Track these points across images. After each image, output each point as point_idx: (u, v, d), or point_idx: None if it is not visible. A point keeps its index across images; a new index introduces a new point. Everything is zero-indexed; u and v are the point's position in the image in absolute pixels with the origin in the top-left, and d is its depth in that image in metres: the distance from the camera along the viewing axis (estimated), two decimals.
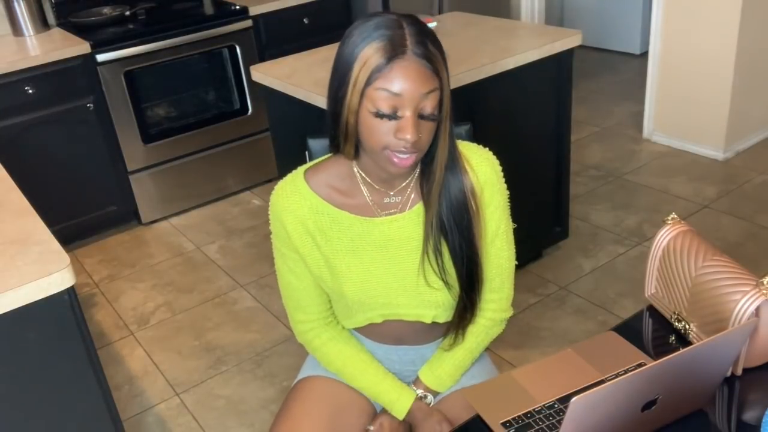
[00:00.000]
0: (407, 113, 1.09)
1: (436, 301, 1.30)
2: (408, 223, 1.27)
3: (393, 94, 1.08)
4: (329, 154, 1.29)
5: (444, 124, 1.17)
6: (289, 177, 1.30)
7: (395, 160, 1.13)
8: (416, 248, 1.27)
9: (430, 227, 1.24)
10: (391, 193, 1.26)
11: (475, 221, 1.27)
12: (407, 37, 1.09)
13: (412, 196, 1.27)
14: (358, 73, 1.09)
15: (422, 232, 1.26)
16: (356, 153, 1.20)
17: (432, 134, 1.15)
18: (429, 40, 1.11)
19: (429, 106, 1.11)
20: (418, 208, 1.27)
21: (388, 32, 1.08)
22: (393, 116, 1.09)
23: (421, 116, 1.11)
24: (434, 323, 1.34)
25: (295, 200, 1.26)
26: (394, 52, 1.07)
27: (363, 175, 1.25)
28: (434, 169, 1.21)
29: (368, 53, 1.08)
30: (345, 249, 1.27)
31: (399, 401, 1.35)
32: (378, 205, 1.27)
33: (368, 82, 1.08)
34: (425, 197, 1.25)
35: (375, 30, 1.09)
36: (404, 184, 1.27)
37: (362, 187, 1.26)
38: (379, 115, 1.09)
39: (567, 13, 5.49)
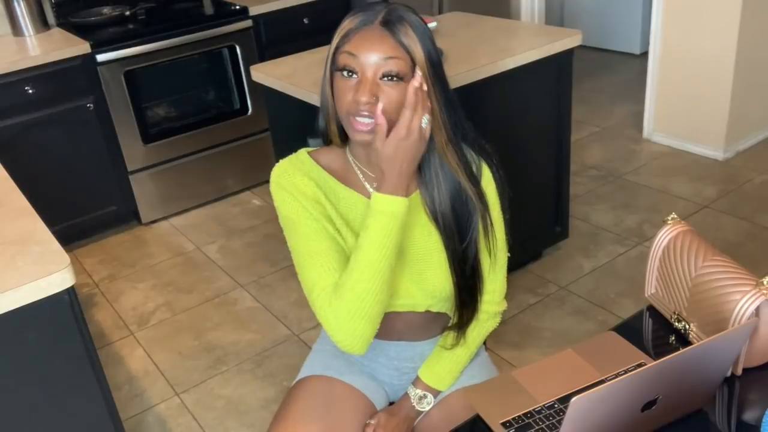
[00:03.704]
0: (365, 75, 1.15)
1: (433, 291, 1.31)
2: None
3: (353, 56, 1.15)
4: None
5: (431, 104, 1.18)
6: (291, 155, 1.31)
7: (356, 125, 1.16)
8: (412, 235, 1.28)
9: (430, 217, 1.27)
10: None
11: (476, 219, 1.28)
12: (383, 11, 1.17)
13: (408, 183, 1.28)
14: (333, 43, 1.19)
15: (417, 222, 1.28)
16: (342, 136, 1.25)
17: (398, 103, 1.15)
18: (407, 21, 1.16)
19: (389, 71, 1.14)
20: (415, 198, 1.28)
21: (369, 9, 1.18)
22: (353, 73, 1.15)
23: (382, 80, 1.15)
24: (428, 314, 1.35)
25: (302, 170, 1.27)
26: (363, 22, 1.17)
27: (355, 161, 1.29)
28: (432, 150, 1.23)
29: (342, 25, 1.19)
30: (351, 224, 1.27)
31: (386, 212, 1.16)
32: (373, 190, 1.27)
33: (337, 48, 1.18)
34: (422, 182, 1.26)
35: (360, 9, 1.19)
36: None
37: (357, 172, 1.29)
38: (339, 70, 1.16)
39: (567, 13, 5.49)
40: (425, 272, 1.30)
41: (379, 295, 1.18)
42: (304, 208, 1.23)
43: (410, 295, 1.31)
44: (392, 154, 1.15)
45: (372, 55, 1.14)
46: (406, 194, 1.18)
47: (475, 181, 1.28)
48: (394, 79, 1.14)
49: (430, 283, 1.30)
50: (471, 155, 1.29)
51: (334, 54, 1.18)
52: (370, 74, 1.14)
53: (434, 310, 1.34)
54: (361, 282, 1.17)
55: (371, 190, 1.27)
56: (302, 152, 1.32)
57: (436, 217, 1.27)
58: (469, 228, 1.28)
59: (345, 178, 1.29)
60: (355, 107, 1.15)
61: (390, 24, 1.15)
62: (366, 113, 1.14)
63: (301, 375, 1.47)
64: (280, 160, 1.31)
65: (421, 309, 1.33)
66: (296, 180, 1.25)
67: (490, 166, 1.31)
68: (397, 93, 1.15)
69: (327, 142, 1.30)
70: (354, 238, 1.26)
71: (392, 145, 1.14)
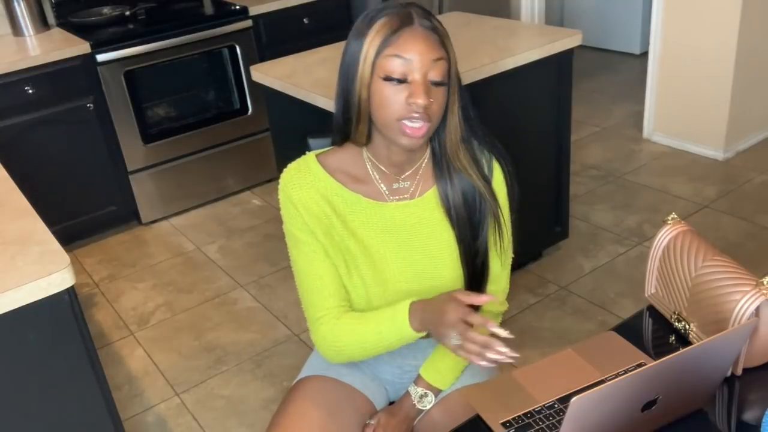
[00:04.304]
0: (417, 78, 1.13)
1: (446, 288, 1.31)
2: (418, 210, 1.29)
3: (403, 59, 1.12)
4: (332, 147, 1.31)
5: (453, 104, 1.20)
6: (299, 159, 1.30)
7: (408, 130, 1.15)
8: (427, 234, 1.29)
9: (444, 212, 1.28)
10: (400, 178, 1.28)
11: (487, 211, 1.29)
12: (413, 12, 1.16)
13: (422, 183, 1.30)
14: (369, 46, 1.14)
15: (432, 219, 1.29)
16: (368, 137, 1.23)
17: (442, 105, 1.18)
18: (435, 19, 1.17)
19: (437, 74, 1.14)
20: (429, 195, 1.29)
21: (395, 10, 1.16)
22: (403, 80, 1.13)
23: (431, 83, 1.14)
24: None
25: (309, 180, 1.26)
26: (402, 23, 1.14)
27: (373, 160, 1.27)
28: (446, 149, 1.24)
29: (377, 27, 1.15)
30: (359, 232, 1.27)
31: (397, 320, 1.23)
32: (388, 190, 1.28)
33: (378, 52, 1.14)
34: (438, 178, 1.28)
35: (383, 11, 1.16)
36: (413, 169, 1.29)
37: (372, 173, 1.28)
38: (390, 79, 1.13)
39: (567, 13, 5.49)
40: (440, 269, 1.30)
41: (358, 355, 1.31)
42: (308, 226, 1.25)
43: (422, 293, 1.32)
44: (448, 323, 1.13)
45: (422, 56, 1.13)
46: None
47: (487, 179, 1.29)
48: (440, 85, 1.15)
49: (442, 280, 1.31)
50: (482, 153, 1.30)
51: (375, 58, 1.14)
52: (421, 76, 1.13)
53: None
54: (362, 349, 1.29)
55: (389, 201, 1.28)
56: (310, 157, 1.30)
57: (450, 212, 1.28)
58: (480, 222, 1.29)
59: (356, 177, 1.28)
60: (409, 110, 1.14)
61: (428, 24, 1.16)
62: (417, 115, 1.14)
63: (302, 374, 1.47)
64: (289, 165, 1.29)
65: None
66: (303, 194, 1.25)
67: (501, 165, 1.32)
68: (441, 94, 1.17)
69: (340, 141, 1.27)
70: (356, 243, 1.27)
71: (453, 326, 1.13)
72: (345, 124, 1.23)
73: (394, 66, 1.13)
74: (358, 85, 1.17)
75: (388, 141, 1.21)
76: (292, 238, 1.29)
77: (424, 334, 1.22)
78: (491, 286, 1.37)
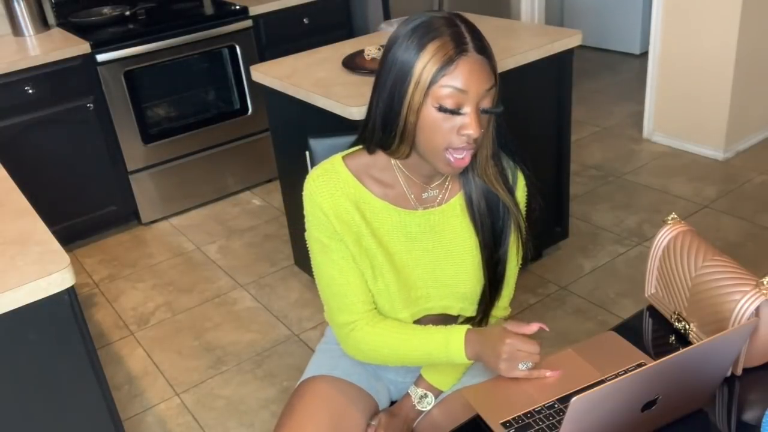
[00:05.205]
0: (469, 109, 1.10)
1: (464, 294, 1.32)
2: (443, 217, 1.29)
3: (459, 90, 1.09)
4: (359, 147, 1.28)
5: (490, 122, 1.19)
6: (325, 163, 1.28)
7: (452, 160, 1.14)
8: (450, 240, 1.29)
9: (469, 218, 1.28)
10: (429, 188, 1.28)
11: (510, 220, 1.29)
12: (465, 34, 1.10)
13: (449, 189, 1.29)
14: (421, 71, 1.09)
15: (456, 225, 1.29)
16: (407, 155, 1.20)
17: (488, 130, 1.18)
18: (483, 37, 1.13)
19: (488, 102, 1.13)
20: (455, 202, 1.29)
21: (447, 30, 1.10)
22: (456, 112, 1.10)
23: (481, 111, 1.12)
24: (459, 317, 1.36)
25: (339, 186, 1.24)
26: (457, 49, 1.08)
27: (403, 169, 1.26)
28: (475, 162, 1.23)
29: (431, 50, 1.08)
30: (385, 239, 1.27)
31: (451, 347, 1.25)
32: (416, 198, 1.28)
33: (433, 80, 1.09)
34: (464, 185, 1.28)
35: (432, 30, 1.10)
36: (442, 178, 1.29)
37: (401, 181, 1.27)
38: (443, 110, 1.10)
39: (567, 13, 5.49)
40: (460, 275, 1.31)
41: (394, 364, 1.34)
42: (338, 234, 1.24)
43: (442, 298, 1.32)
44: (508, 356, 1.17)
45: (477, 88, 1.09)
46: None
47: (511, 190, 1.29)
48: (491, 110, 1.14)
49: (461, 286, 1.31)
50: (508, 164, 1.30)
51: (429, 86, 1.09)
52: (474, 107, 1.10)
53: (467, 314, 1.36)
54: (399, 361, 1.32)
55: (416, 209, 1.28)
56: (337, 160, 1.27)
57: (474, 218, 1.28)
58: (503, 230, 1.30)
59: (383, 182, 1.27)
60: (459, 141, 1.12)
61: (483, 50, 1.11)
62: (466, 145, 1.12)
63: (307, 374, 1.46)
64: (314, 170, 1.27)
65: (454, 312, 1.34)
66: (334, 202, 1.23)
67: (525, 177, 1.32)
68: (488, 120, 1.16)
69: (373, 150, 1.24)
70: (383, 250, 1.26)
71: (512, 353, 1.17)
72: (385, 138, 1.18)
73: (449, 97, 1.09)
74: (405, 108, 1.12)
75: (426, 162, 1.19)
76: (318, 245, 1.27)
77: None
78: (503, 291, 1.38)
